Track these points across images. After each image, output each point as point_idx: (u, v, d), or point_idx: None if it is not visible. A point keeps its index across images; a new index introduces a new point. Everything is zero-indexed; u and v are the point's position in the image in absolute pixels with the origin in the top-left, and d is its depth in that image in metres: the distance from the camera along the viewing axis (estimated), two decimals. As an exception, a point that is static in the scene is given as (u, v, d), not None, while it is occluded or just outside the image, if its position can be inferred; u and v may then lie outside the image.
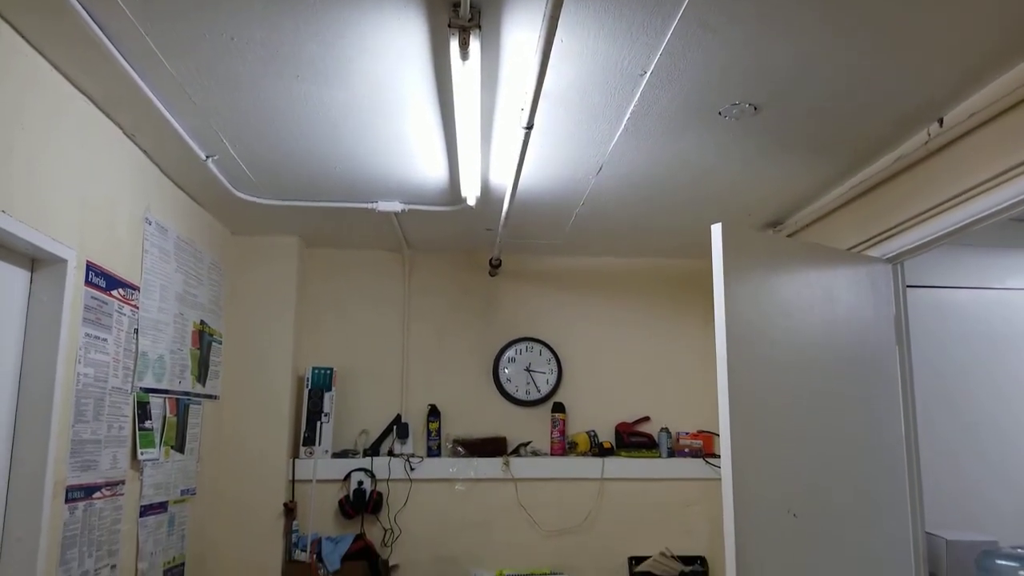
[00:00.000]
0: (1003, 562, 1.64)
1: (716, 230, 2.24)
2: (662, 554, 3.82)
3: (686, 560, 3.83)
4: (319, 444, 3.65)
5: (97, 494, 2.33)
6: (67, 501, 2.16)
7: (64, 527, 2.15)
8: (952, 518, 2.77)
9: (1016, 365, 3.10)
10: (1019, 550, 1.65)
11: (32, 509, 2.03)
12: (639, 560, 3.81)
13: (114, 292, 2.42)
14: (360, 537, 3.61)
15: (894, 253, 2.63)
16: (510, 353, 3.98)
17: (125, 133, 2.48)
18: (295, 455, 3.66)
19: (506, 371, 3.96)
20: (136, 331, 2.58)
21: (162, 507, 2.82)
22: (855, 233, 2.83)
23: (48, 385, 2.06)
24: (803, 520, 2.29)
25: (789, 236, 3.28)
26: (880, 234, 2.65)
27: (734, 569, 2.12)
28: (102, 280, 2.34)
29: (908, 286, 2.78)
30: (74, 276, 2.17)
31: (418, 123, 2.42)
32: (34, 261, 2.12)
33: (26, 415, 2.05)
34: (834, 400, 2.49)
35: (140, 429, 2.60)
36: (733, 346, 2.20)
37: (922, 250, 2.56)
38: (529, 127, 2.18)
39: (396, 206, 3.15)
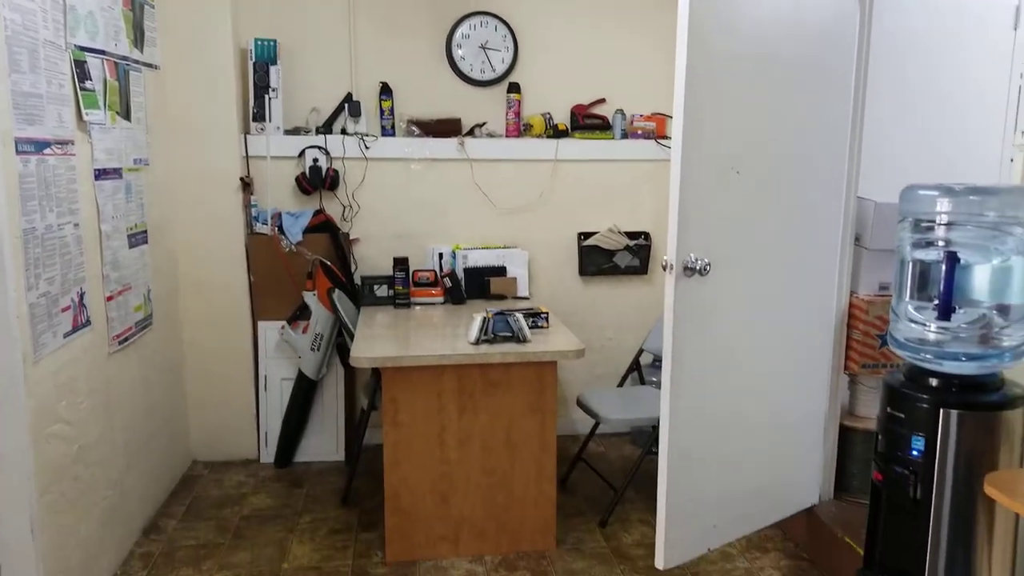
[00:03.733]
0: (927, 192, 1.77)
1: None
2: (610, 230, 4.04)
3: (632, 235, 4.06)
4: (270, 120, 3.61)
5: (48, 150, 2.31)
6: (18, 153, 2.14)
7: (20, 179, 2.15)
8: (887, 186, 2.90)
9: (981, 38, 3.08)
10: (954, 184, 1.76)
11: (-17, 157, 2.02)
12: (588, 235, 4.04)
13: (27, -69, 2.20)
14: (320, 212, 3.72)
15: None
16: (464, 29, 3.82)
17: None
18: (246, 131, 3.63)
19: (460, 49, 3.84)
20: (59, -19, 2.40)
21: (116, 173, 2.82)
22: None
23: (-27, 25, 1.95)
24: (744, 177, 2.41)
25: None
26: None
27: (675, 219, 2.26)
28: (11, -86, 2.12)
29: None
30: (-22, -96, 1.96)
31: None
32: None
33: (-44, 58, 1.96)
34: (787, 71, 2.49)
35: (82, 89, 2.51)
36: (696, 16, 2.14)
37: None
38: None
39: None
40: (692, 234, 2.30)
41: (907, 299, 1.82)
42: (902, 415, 1.79)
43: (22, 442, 2.19)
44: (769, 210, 2.53)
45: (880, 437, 1.87)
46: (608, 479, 3.55)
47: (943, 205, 1.72)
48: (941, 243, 1.71)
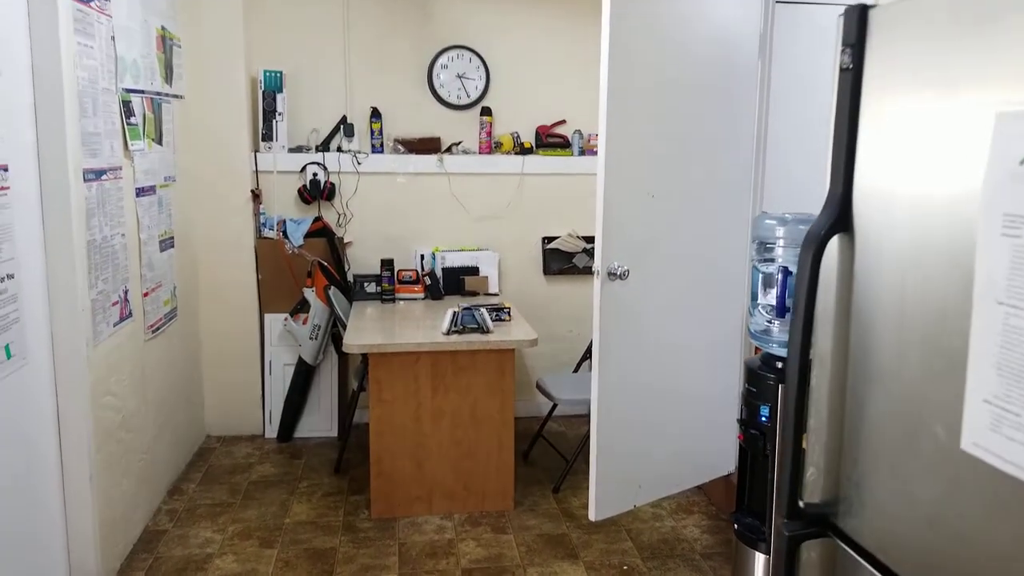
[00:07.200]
0: (769, 221, 2.35)
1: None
2: (569, 234, 4.64)
3: (589, 239, 4.65)
4: (276, 140, 4.19)
5: (104, 176, 2.90)
6: (84, 181, 2.73)
7: (86, 201, 2.74)
8: (791, 203, 3.45)
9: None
10: (787, 215, 2.34)
11: (62, 187, 2.60)
12: (551, 239, 4.63)
13: (92, 3, 2.78)
14: (318, 219, 4.31)
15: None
16: (443, 60, 4.41)
17: None
18: (256, 149, 4.22)
19: (440, 77, 4.43)
20: (112, 38, 2.97)
21: (152, 190, 3.41)
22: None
23: (58, 87, 2.52)
24: (659, 200, 2.99)
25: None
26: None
27: (600, 235, 2.84)
28: (80, -6, 2.70)
29: (777, 1, 3.22)
30: (59, -8, 2.54)
31: None
32: (23, -22, 2.47)
33: (44, 112, 2.53)
34: (696, 105, 3.02)
35: (128, 124, 3.10)
36: (615, 55, 2.72)
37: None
38: None
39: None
40: (615, 246, 2.88)
41: (758, 301, 2.41)
42: (755, 389, 2.38)
43: (84, 408, 2.78)
44: (681, 226, 3.08)
45: (742, 407, 2.47)
46: (563, 453, 4.13)
47: (779, 232, 2.31)
48: (779, 260, 2.31)
